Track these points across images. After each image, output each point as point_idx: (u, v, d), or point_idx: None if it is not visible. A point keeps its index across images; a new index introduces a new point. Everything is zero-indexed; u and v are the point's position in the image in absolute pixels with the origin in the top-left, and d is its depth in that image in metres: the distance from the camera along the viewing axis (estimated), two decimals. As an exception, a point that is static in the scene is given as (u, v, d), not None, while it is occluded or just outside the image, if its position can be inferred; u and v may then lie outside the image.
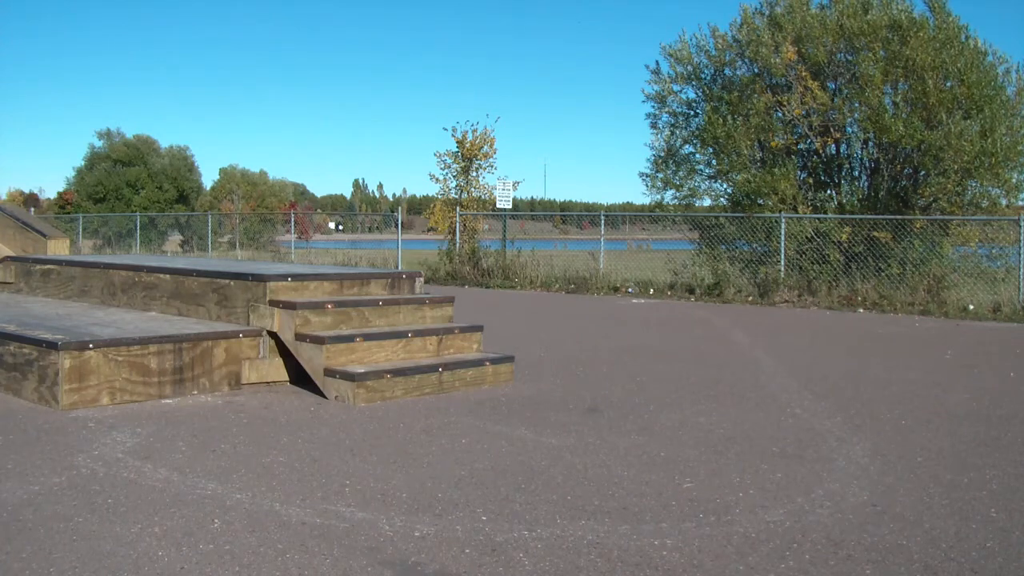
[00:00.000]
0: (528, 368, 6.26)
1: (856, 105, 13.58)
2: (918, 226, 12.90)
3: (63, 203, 41.64)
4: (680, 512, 3.19)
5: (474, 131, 17.20)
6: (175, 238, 31.05)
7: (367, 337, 5.35)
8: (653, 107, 15.90)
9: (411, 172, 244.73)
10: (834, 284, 12.62)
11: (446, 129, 21.59)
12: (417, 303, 6.00)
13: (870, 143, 14.07)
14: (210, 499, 3.24)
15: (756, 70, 14.58)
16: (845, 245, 13.15)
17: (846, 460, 3.95)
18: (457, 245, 16.91)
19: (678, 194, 15.65)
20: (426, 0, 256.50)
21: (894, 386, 5.92)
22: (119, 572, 2.58)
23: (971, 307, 11.27)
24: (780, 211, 13.58)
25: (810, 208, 14.09)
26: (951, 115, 12.84)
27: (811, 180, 14.79)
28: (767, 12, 14.82)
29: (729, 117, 14.23)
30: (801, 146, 14.40)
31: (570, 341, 8.09)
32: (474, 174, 17.42)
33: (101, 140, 43.08)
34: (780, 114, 14.31)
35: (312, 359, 5.18)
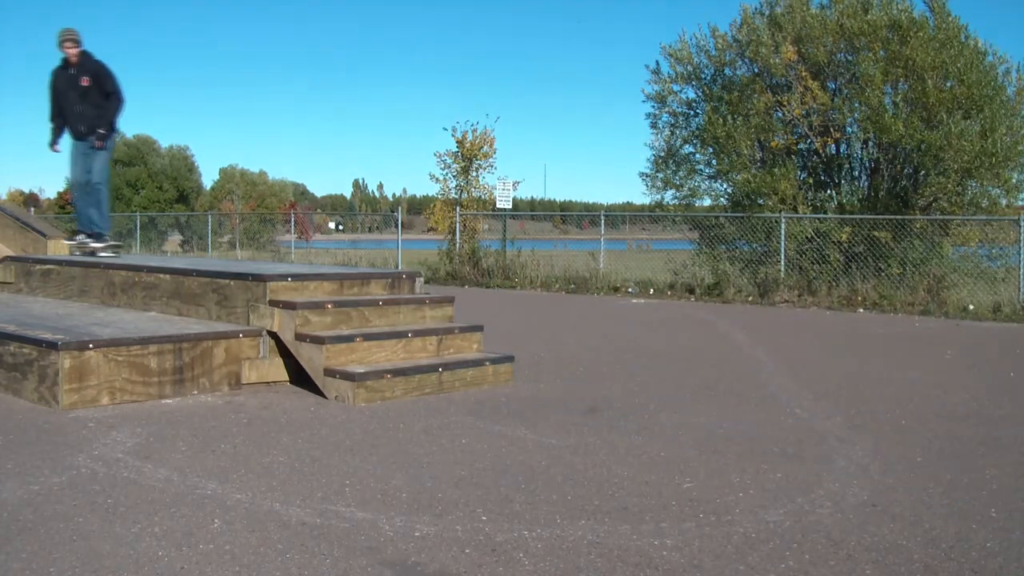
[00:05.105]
0: (528, 368, 6.26)
1: (856, 105, 13.58)
2: (918, 226, 12.90)
3: (63, 203, 41.61)
4: (680, 512, 3.19)
5: (474, 131, 17.18)
6: (175, 238, 31.03)
7: (367, 337, 5.35)
8: (653, 107, 15.92)
9: (411, 172, 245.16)
10: (834, 284, 12.61)
11: (446, 129, 21.56)
12: (417, 303, 6.00)
13: (870, 143, 14.08)
14: (210, 499, 3.24)
15: (756, 70, 14.58)
16: (845, 245, 13.15)
17: (846, 460, 3.95)
18: (457, 245, 16.89)
19: (678, 194, 15.67)
20: (426, 0, 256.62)
21: (894, 386, 5.92)
22: (119, 572, 2.58)
23: (971, 307, 11.27)
24: (780, 211, 13.58)
25: (810, 208, 14.10)
26: (951, 115, 12.84)
27: (811, 180, 14.79)
28: (767, 12, 14.83)
29: (729, 117, 14.23)
30: (801, 146, 14.41)
31: (570, 341, 8.08)
32: (474, 174, 17.39)
33: (101, 140, 42.99)
34: (780, 114, 14.31)
35: (312, 359, 5.18)
